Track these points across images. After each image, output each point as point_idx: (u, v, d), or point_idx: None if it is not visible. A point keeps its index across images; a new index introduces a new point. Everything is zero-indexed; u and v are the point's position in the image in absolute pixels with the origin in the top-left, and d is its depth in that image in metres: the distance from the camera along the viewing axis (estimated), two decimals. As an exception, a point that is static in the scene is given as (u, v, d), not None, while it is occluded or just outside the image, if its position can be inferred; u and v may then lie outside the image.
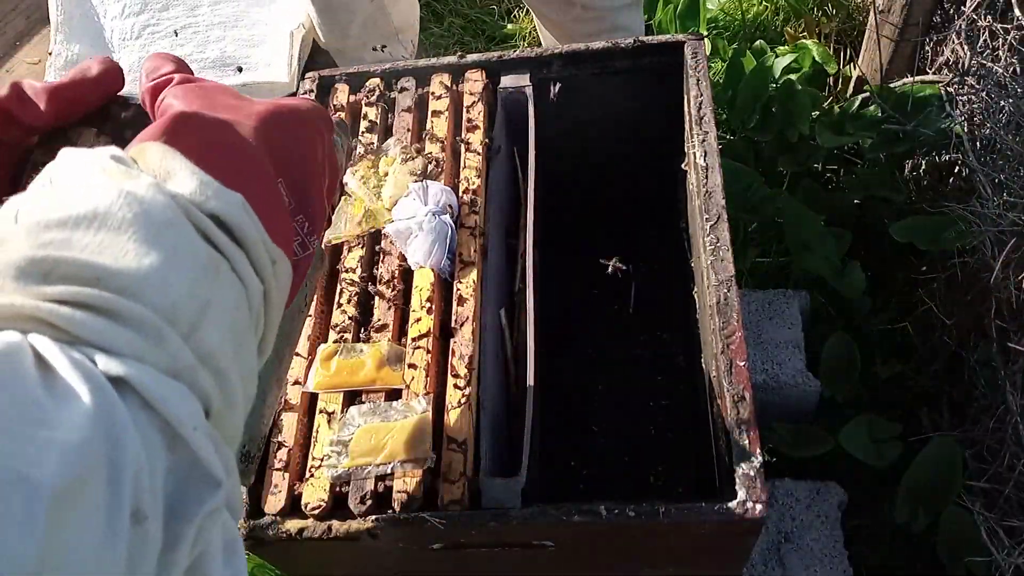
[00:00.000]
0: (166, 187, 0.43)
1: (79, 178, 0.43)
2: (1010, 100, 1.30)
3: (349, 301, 1.06)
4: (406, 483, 0.90)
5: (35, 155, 0.57)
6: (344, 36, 1.83)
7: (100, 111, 0.58)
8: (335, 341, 1.03)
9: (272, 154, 0.52)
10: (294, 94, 1.29)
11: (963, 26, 1.51)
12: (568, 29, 1.67)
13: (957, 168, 1.63)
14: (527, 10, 2.31)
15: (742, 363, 0.94)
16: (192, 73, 0.60)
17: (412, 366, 0.98)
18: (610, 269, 1.06)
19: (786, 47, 1.96)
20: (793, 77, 1.83)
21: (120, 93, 0.61)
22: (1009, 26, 1.37)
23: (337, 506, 0.92)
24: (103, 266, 0.40)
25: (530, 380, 0.95)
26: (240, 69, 2.09)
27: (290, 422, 0.97)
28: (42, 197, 0.42)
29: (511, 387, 1.11)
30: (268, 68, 2.06)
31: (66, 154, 0.45)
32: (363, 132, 1.20)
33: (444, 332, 1.02)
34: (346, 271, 1.08)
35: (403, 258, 1.07)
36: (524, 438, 0.91)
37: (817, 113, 1.76)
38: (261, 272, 0.48)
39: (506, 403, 1.10)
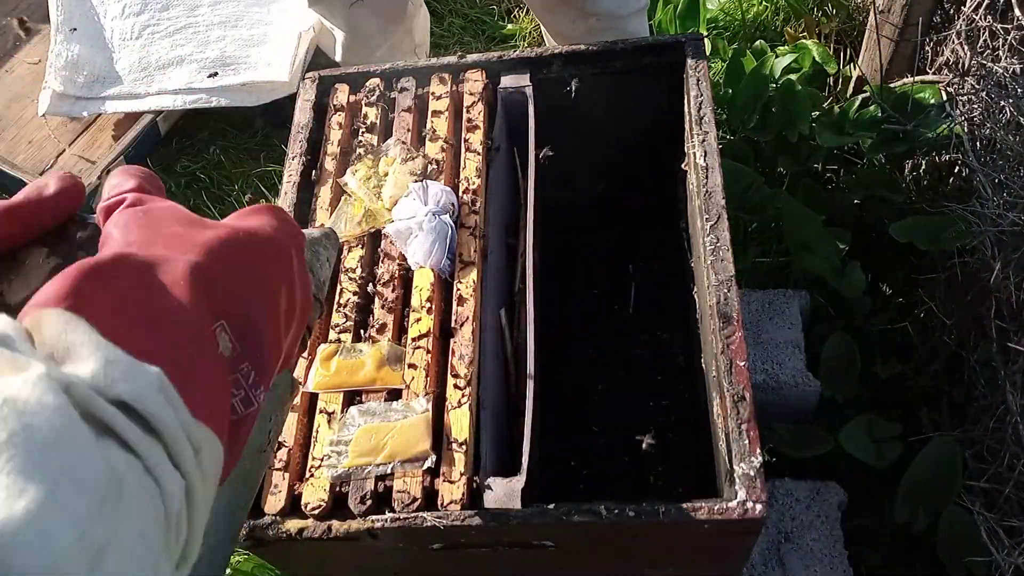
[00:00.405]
0: (61, 373, 0.36)
1: None
2: (1010, 100, 1.30)
3: (349, 301, 1.06)
4: (406, 483, 0.90)
5: None
6: (368, 58, 1.83)
7: (57, 228, 0.54)
8: (335, 341, 1.03)
9: (214, 294, 0.46)
10: (294, 95, 1.29)
11: (963, 26, 1.51)
12: (582, 42, 1.67)
13: (957, 168, 1.63)
14: (527, 10, 2.31)
15: (742, 363, 0.94)
16: (161, 187, 0.54)
17: (412, 366, 0.98)
18: (644, 446, 1.06)
19: (786, 47, 1.96)
20: (793, 77, 1.83)
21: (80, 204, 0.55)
22: (1009, 26, 1.37)
23: (337, 506, 0.92)
24: None
25: (530, 380, 0.96)
26: (215, 74, 2.08)
27: (290, 422, 0.97)
28: None
29: (511, 387, 1.11)
30: (268, 67, 2.07)
31: None
32: (363, 132, 1.20)
33: (444, 332, 1.02)
34: (346, 271, 1.08)
35: (403, 258, 1.08)
36: (524, 438, 0.91)
37: (817, 113, 1.76)
38: (181, 465, 0.39)
39: (506, 403, 1.11)
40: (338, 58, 1.79)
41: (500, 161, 1.19)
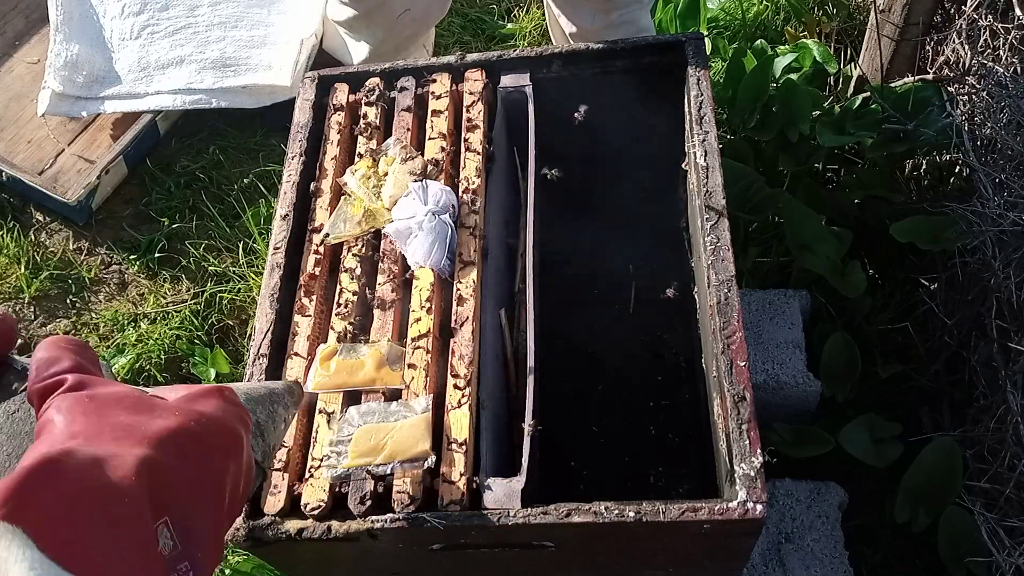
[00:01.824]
0: None
1: None
2: (1010, 100, 1.30)
3: (348, 301, 1.06)
4: (406, 483, 0.90)
5: None
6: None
7: None
8: (341, 337, 1.03)
9: (161, 489, 0.45)
10: (294, 98, 1.29)
11: (964, 26, 1.51)
12: (597, 38, 1.68)
13: (957, 168, 1.63)
14: (527, 9, 2.31)
15: (742, 363, 0.94)
16: (96, 358, 0.53)
17: (412, 366, 0.98)
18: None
19: (787, 47, 1.95)
20: (794, 77, 1.82)
21: (15, 356, 0.54)
22: (1010, 26, 1.37)
23: (337, 506, 0.92)
24: None
25: (530, 380, 0.95)
26: (223, 65, 2.08)
27: (290, 422, 0.97)
28: None
29: (511, 387, 1.11)
30: (269, 71, 2.06)
31: None
32: (363, 132, 1.20)
33: (444, 332, 1.02)
34: (346, 271, 1.08)
35: (403, 258, 1.07)
36: (524, 438, 0.91)
37: (818, 113, 1.76)
38: None
39: (506, 403, 1.10)
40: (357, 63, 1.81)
41: (500, 161, 1.19)
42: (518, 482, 0.89)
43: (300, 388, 0.72)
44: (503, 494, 0.89)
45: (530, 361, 0.97)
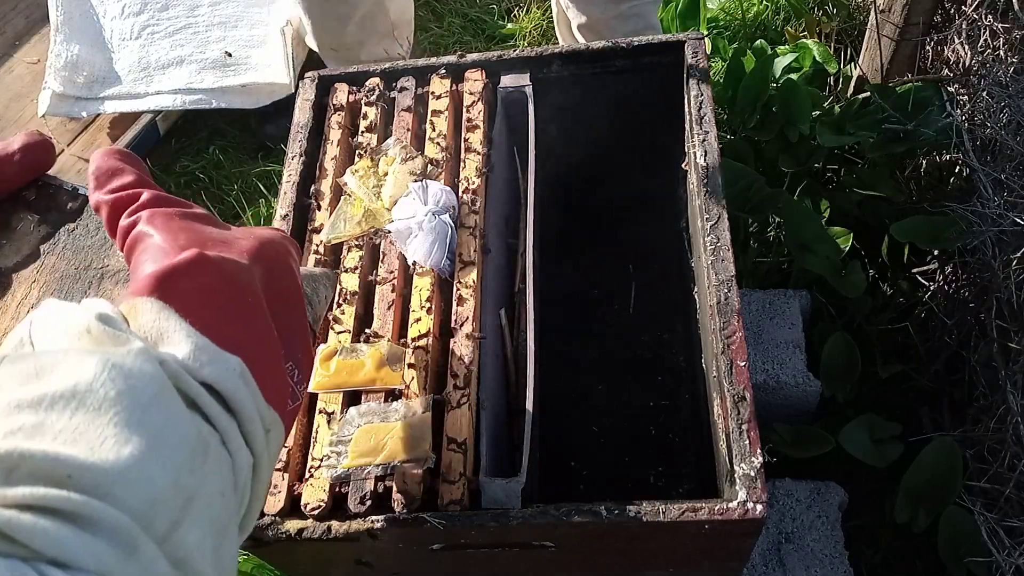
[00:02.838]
0: (157, 352, 0.40)
1: (60, 341, 0.39)
2: (1010, 100, 1.30)
3: (349, 301, 1.06)
4: (406, 483, 0.90)
5: None
6: (340, 34, 1.80)
7: (44, 194, 0.55)
8: (344, 335, 1.03)
9: (265, 294, 0.49)
10: (293, 96, 1.29)
11: (964, 26, 1.51)
12: (606, 29, 1.67)
13: (958, 168, 1.63)
14: (527, 9, 2.31)
15: (742, 363, 0.94)
16: (149, 176, 0.55)
17: (412, 366, 0.98)
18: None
19: (787, 47, 1.95)
20: (794, 77, 1.82)
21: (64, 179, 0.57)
22: (1010, 25, 1.37)
23: (337, 506, 0.92)
24: (75, 460, 0.35)
25: (530, 380, 0.95)
26: (229, 54, 2.08)
27: (290, 422, 0.97)
28: (18, 365, 0.38)
29: (511, 387, 1.11)
30: (268, 69, 2.06)
31: (48, 308, 0.41)
32: (363, 132, 1.20)
33: (444, 332, 1.02)
34: (346, 271, 1.08)
35: (403, 258, 1.07)
36: (524, 438, 0.91)
37: (818, 113, 1.76)
38: (253, 444, 0.44)
39: (506, 403, 1.10)
40: (312, 43, 1.76)
41: (500, 161, 1.19)
42: (518, 482, 0.89)
43: (336, 276, 0.76)
44: (503, 494, 0.89)
45: (530, 362, 0.97)
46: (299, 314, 0.54)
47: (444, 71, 1.21)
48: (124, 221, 0.50)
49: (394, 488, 0.90)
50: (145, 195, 0.51)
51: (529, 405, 0.93)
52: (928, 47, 1.74)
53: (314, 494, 0.91)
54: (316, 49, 1.89)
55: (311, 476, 0.93)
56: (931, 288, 1.54)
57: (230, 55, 2.08)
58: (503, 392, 1.10)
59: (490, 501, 0.89)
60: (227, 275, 0.46)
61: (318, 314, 0.69)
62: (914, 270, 1.64)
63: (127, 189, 0.51)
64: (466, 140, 1.16)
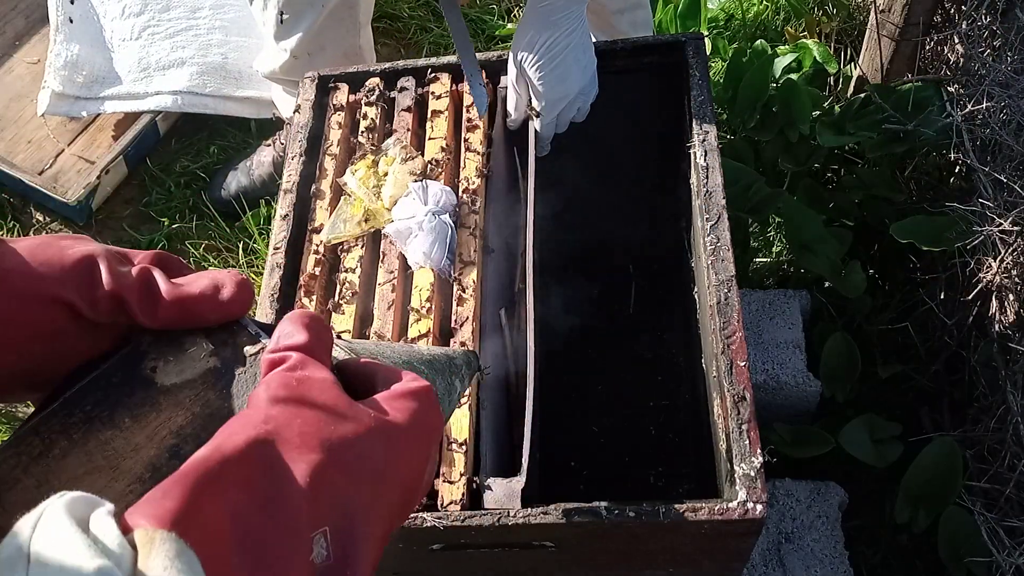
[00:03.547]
0: None
1: None
2: (1010, 100, 1.30)
3: (349, 301, 1.06)
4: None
5: (142, 339, 0.53)
6: (308, 23, 1.69)
7: (225, 328, 0.54)
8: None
9: (326, 501, 0.45)
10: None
11: (964, 26, 1.51)
12: (614, 22, 1.67)
13: (958, 168, 1.63)
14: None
15: (742, 363, 0.94)
16: (330, 338, 0.53)
17: (412, 366, 0.98)
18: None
19: (787, 47, 1.95)
20: (794, 77, 1.82)
21: (248, 318, 0.56)
22: (1010, 25, 1.37)
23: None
24: None
25: (530, 380, 0.95)
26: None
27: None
28: None
29: (511, 387, 1.11)
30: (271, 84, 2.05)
31: (54, 531, 0.37)
32: (363, 132, 1.20)
33: (444, 332, 1.02)
34: (346, 271, 1.08)
35: (403, 258, 1.07)
36: (524, 438, 0.91)
37: (818, 113, 1.76)
38: None
39: (506, 403, 1.10)
40: (271, 32, 1.60)
41: (500, 161, 1.19)
42: (518, 482, 0.89)
43: (477, 359, 0.70)
44: (503, 494, 0.89)
45: (530, 362, 0.97)
46: (376, 517, 0.48)
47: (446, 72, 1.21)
48: (263, 379, 0.49)
49: (394, 488, 0.90)
50: (292, 358, 0.49)
51: (529, 405, 0.93)
52: (928, 47, 1.74)
53: (314, 494, 0.91)
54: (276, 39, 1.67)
55: (311, 476, 0.92)
56: (931, 288, 1.54)
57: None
58: (503, 392, 1.10)
59: (490, 501, 0.89)
60: (268, 491, 0.43)
61: (449, 414, 0.63)
62: (914, 270, 1.64)
63: (287, 350, 0.50)
64: (466, 140, 1.16)
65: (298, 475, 0.44)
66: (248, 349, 0.54)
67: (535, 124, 1.15)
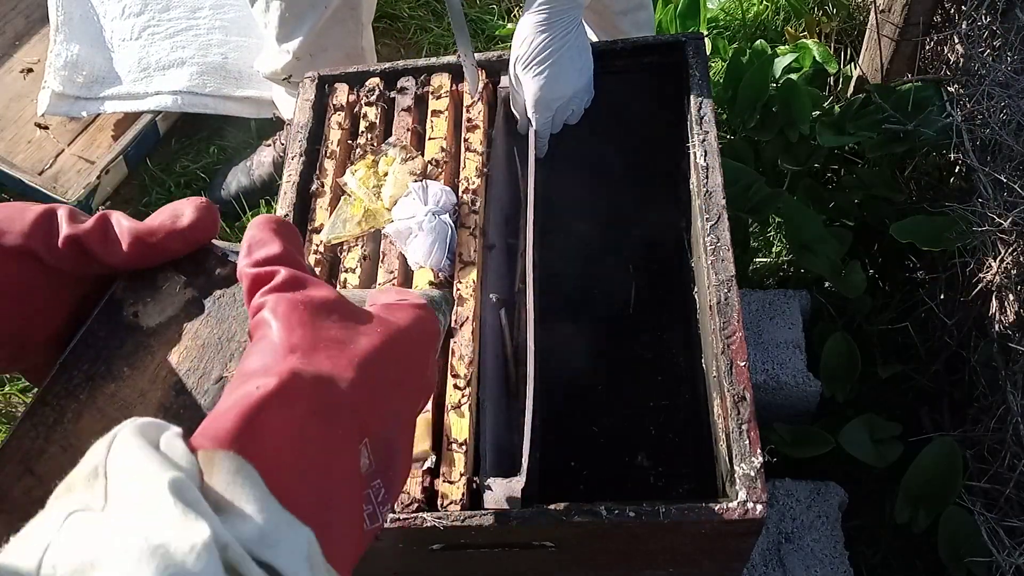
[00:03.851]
0: (222, 535, 0.38)
1: (132, 495, 0.38)
2: (1010, 100, 1.30)
3: (349, 301, 1.06)
4: (406, 483, 0.90)
5: (115, 288, 0.54)
6: (307, 25, 1.67)
7: (193, 258, 0.54)
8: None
9: (364, 414, 0.47)
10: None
11: (964, 26, 1.51)
12: (616, 21, 1.67)
13: (958, 168, 1.63)
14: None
15: (742, 363, 0.94)
16: (300, 245, 0.53)
17: (412, 366, 0.98)
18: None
19: (787, 47, 1.95)
20: (794, 77, 1.82)
21: (214, 242, 0.55)
22: (1010, 25, 1.37)
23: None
24: None
25: (530, 380, 0.95)
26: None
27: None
28: (81, 533, 0.37)
29: (511, 387, 1.11)
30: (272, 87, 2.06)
31: (127, 447, 0.40)
32: (363, 132, 1.20)
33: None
34: (346, 271, 1.08)
35: (403, 258, 1.07)
36: (524, 438, 0.91)
37: (818, 113, 1.76)
38: None
39: (506, 403, 1.10)
40: (272, 34, 1.60)
41: (500, 161, 1.19)
42: (518, 482, 0.89)
43: (452, 298, 0.72)
44: (503, 494, 0.89)
45: (530, 362, 0.97)
46: (405, 421, 0.51)
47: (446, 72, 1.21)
48: (255, 300, 0.49)
49: (394, 488, 0.90)
50: (281, 275, 0.49)
51: (529, 405, 0.93)
52: (928, 47, 1.74)
53: (314, 494, 0.91)
54: (277, 39, 1.66)
55: (311, 476, 0.92)
56: (931, 288, 1.54)
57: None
58: (503, 392, 1.10)
59: (490, 501, 0.89)
60: (320, 409, 0.45)
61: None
62: (915, 270, 1.64)
63: (268, 264, 0.50)
64: (466, 140, 1.16)
65: (339, 395, 0.46)
66: (220, 271, 0.54)
67: (532, 125, 1.16)
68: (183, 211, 0.53)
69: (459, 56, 1.18)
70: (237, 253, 0.52)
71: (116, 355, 0.52)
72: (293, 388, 0.44)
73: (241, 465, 0.40)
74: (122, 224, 0.52)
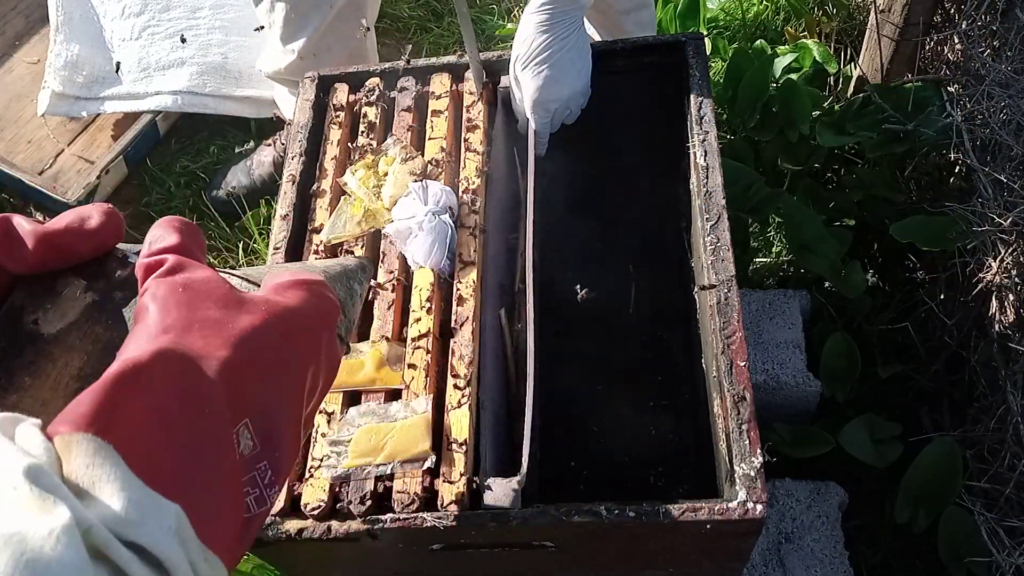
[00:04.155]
0: (83, 515, 0.37)
1: None
2: (1010, 100, 1.30)
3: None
4: (406, 483, 0.90)
5: (14, 296, 0.52)
6: (309, 27, 1.67)
7: (93, 262, 0.53)
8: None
9: (242, 392, 0.46)
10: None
11: (964, 25, 1.51)
12: (619, 20, 1.67)
13: (958, 168, 1.63)
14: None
15: (742, 363, 0.94)
16: (203, 242, 0.53)
17: (412, 366, 0.98)
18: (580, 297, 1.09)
19: (787, 47, 1.95)
20: (794, 77, 1.82)
21: (119, 245, 0.54)
22: (1010, 25, 1.37)
23: (337, 506, 0.92)
24: None
25: (530, 380, 0.95)
26: (183, 39, 2.05)
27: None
28: None
29: (511, 387, 1.11)
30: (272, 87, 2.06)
31: None
32: (363, 132, 1.20)
33: (444, 332, 1.02)
34: (346, 271, 1.08)
35: (403, 258, 1.07)
36: (524, 438, 0.91)
37: (818, 113, 1.76)
38: None
39: (506, 403, 1.10)
40: (277, 34, 1.60)
41: (500, 161, 1.18)
42: (518, 482, 0.89)
43: (370, 264, 0.71)
44: (503, 494, 0.89)
45: (530, 362, 0.97)
46: (292, 402, 0.50)
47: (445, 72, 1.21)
48: (143, 289, 0.48)
49: (394, 488, 0.90)
50: (169, 261, 0.49)
51: (529, 405, 0.93)
52: (928, 47, 1.74)
53: (314, 494, 0.91)
54: (281, 40, 1.67)
55: (311, 476, 0.93)
56: (931, 288, 1.54)
57: (184, 40, 2.06)
58: (503, 392, 1.10)
59: (490, 501, 0.89)
60: (184, 388, 0.43)
61: (352, 319, 0.64)
62: (915, 270, 1.64)
63: (160, 253, 0.50)
64: (466, 140, 1.16)
65: (210, 374, 0.45)
66: (120, 273, 0.53)
67: (531, 124, 1.16)
68: (90, 214, 0.52)
69: (462, 55, 1.18)
70: (138, 254, 0.52)
71: (16, 365, 0.50)
72: (155, 366, 0.43)
73: (100, 446, 0.39)
74: (24, 226, 0.50)
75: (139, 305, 0.47)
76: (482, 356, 1.00)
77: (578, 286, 1.14)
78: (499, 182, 1.18)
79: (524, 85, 1.14)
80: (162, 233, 0.51)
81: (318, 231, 1.12)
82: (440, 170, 1.13)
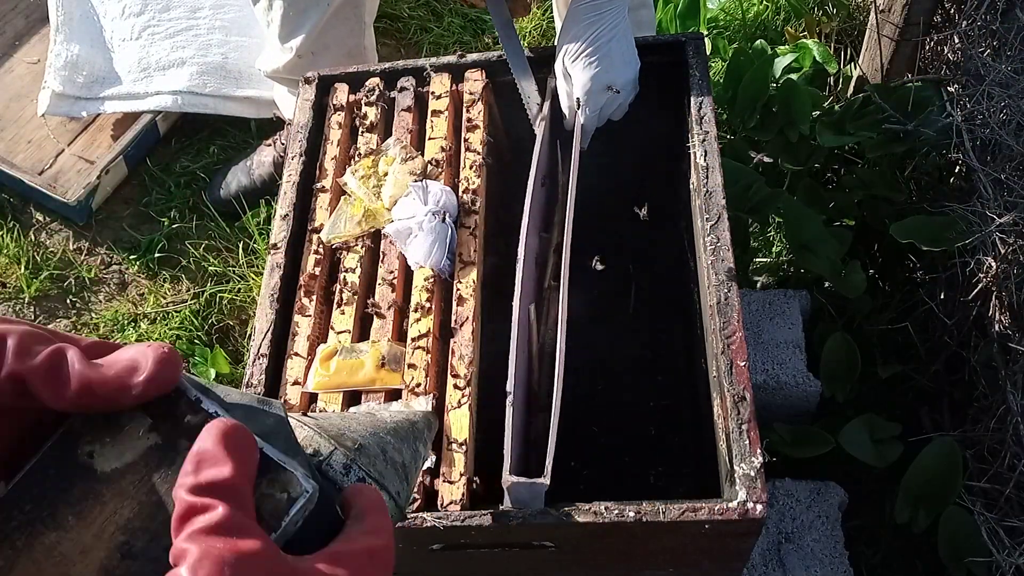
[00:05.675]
0: None
1: None
2: (1010, 100, 1.30)
3: (349, 301, 1.06)
4: (406, 483, 0.90)
5: (73, 420, 0.48)
6: (307, 24, 1.68)
7: (164, 398, 0.48)
8: (353, 333, 1.03)
9: None
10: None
11: (964, 25, 1.51)
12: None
13: (958, 168, 1.63)
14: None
15: (742, 363, 0.94)
16: (255, 465, 0.46)
17: (412, 366, 0.98)
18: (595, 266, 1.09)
19: (787, 47, 1.95)
20: (794, 77, 1.82)
21: (185, 377, 0.49)
22: (1010, 26, 1.37)
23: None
24: None
25: (558, 379, 0.94)
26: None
27: (290, 422, 0.97)
28: None
29: (533, 384, 1.10)
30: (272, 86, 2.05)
31: None
32: (363, 132, 1.20)
33: (444, 332, 1.02)
34: (346, 271, 1.08)
35: (403, 258, 1.07)
36: (550, 439, 0.91)
37: (818, 113, 1.76)
38: None
39: (526, 400, 1.10)
40: (275, 32, 1.60)
41: (543, 156, 1.17)
42: (543, 484, 0.88)
43: (435, 419, 0.67)
44: (528, 495, 0.88)
45: (559, 360, 0.96)
46: None
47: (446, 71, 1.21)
48: (178, 542, 0.42)
49: (394, 488, 0.90)
50: (218, 514, 0.42)
51: (556, 404, 0.93)
52: (928, 47, 1.74)
53: (314, 494, 0.91)
54: (279, 38, 1.66)
55: (311, 476, 0.92)
56: (931, 288, 1.54)
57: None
58: (526, 390, 1.09)
59: (515, 502, 0.89)
60: None
61: (413, 484, 0.59)
62: (915, 270, 1.64)
63: (210, 492, 0.43)
64: (466, 140, 1.16)
65: None
66: (190, 419, 0.48)
67: (579, 117, 1.16)
68: (142, 363, 0.46)
69: (462, 55, 1.18)
70: (211, 399, 0.48)
71: (62, 500, 0.46)
72: None
73: None
74: (75, 367, 0.45)
75: (177, 558, 0.42)
76: (516, 351, 0.98)
77: (596, 259, 1.14)
78: (539, 177, 1.16)
79: (575, 77, 1.14)
80: (213, 453, 0.44)
81: (318, 231, 1.12)
82: (440, 170, 1.13)
